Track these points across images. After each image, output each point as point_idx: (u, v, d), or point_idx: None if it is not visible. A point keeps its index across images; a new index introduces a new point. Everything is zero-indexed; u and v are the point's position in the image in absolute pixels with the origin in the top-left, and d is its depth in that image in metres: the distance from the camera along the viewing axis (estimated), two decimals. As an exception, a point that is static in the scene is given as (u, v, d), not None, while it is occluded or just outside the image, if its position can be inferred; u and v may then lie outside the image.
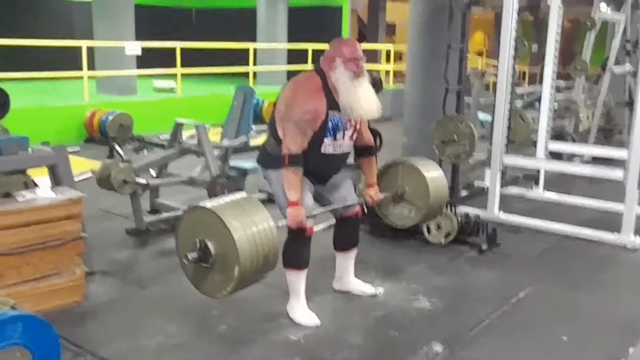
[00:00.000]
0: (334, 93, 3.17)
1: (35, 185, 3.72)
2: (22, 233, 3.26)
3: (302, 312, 3.34)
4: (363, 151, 3.52)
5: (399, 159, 3.91)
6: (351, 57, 3.17)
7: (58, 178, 3.71)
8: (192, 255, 2.76)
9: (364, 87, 3.18)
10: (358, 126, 3.34)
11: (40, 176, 3.99)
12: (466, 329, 3.32)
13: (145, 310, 3.49)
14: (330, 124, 3.17)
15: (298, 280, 3.32)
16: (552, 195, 6.08)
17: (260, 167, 3.42)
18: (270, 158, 3.27)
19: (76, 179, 4.01)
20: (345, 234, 3.59)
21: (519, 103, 7.86)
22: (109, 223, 4.99)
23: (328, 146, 3.23)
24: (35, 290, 3.32)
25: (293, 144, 3.11)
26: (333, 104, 3.16)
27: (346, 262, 3.67)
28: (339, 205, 3.45)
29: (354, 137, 3.36)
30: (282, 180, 3.17)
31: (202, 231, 2.78)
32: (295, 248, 3.28)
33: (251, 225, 2.75)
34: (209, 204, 2.82)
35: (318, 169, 3.29)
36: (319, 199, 3.45)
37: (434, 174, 3.79)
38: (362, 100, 3.15)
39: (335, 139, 3.22)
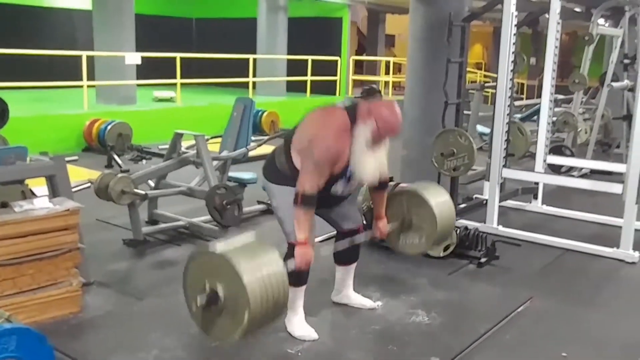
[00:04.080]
0: None
1: (33, 195, 3.71)
2: (19, 244, 3.23)
3: (300, 325, 3.31)
4: (378, 185, 3.39)
5: (402, 187, 3.88)
6: (385, 131, 3.01)
7: (56, 188, 3.70)
8: (200, 300, 2.68)
9: (377, 154, 3.06)
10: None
11: (39, 186, 3.98)
12: (465, 344, 3.30)
13: (142, 323, 3.47)
14: (347, 171, 3.10)
15: (296, 295, 3.30)
16: (551, 209, 6.08)
17: (264, 178, 3.33)
18: (277, 173, 3.21)
19: (74, 188, 4.00)
20: (346, 249, 3.57)
21: (517, 116, 7.89)
22: (107, 233, 4.97)
23: (339, 188, 3.17)
24: (31, 302, 3.30)
25: (309, 184, 2.99)
26: None
27: (345, 275, 3.66)
28: (341, 222, 3.45)
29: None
30: (289, 211, 3.08)
31: (210, 274, 2.71)
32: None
33: (261, 268, 2.67)
34: (216, 247, 2.73)
35: (322, 202, 3.18)
36: (321, 214, 3.39)
37: (439, 199, 3.78)
38: (369, 167, 3.05)
39: (348, 182, 3.17)
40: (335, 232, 3.61)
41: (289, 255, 3.20)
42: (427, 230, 3.70)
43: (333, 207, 3.39)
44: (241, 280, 2.57)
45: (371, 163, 3.04)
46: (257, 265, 2.66)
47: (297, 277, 3.25)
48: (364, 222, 4.24)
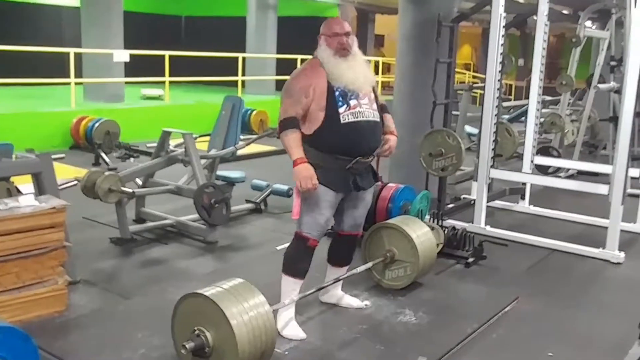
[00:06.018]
0: None
1: (19, 192, 3.67)
2: (4, 242, 3.20)
3: (288, 324, 3.31)
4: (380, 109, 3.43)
5: (381, 223, 4.02)
6: (332, 33, 3.20)
7: (42, 186, 3.66)
8: (189, 345, 2.70)
9: (351, 64, 3.18)
10: (371, 95, 3.28)
11: (25, 183, 3.95)
12: (452, 343, 3.31)
13: (128, 322, 3.44)
14: (336, 93, 3.14)
15: (292, 288, 3.30)
16: (538, 209, 6.12)
17: None
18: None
19: (60, 186, 3.97)
20: (343, 251, 3.58)
21: (505, 117, 7.93)
22: (93, 232, 4.93)
23: (346, 114, 3.14)
24: (16, 300, 3.27)
25: (283, 112, 3.16)
26: None
27: (337, 275, 3.64)
28: (347, 219, 3.43)
29: (375, 106, 3.28)
30: (306, 203, 3.17)
31: (200, 319, 2.73)
32: (297, 255, 3.28)
33: (252, 321, 2.69)
34: (208, 292, 2.75)
35: (351, 143, 3.16)
36: (335, 216, 3.39)
37: (418, 231, 3.90)
38: (347, 74, 3.15)
39: (349, 106, 3.15)
40: (332, 232, 3.61)
41: (292, 246, 3.28)
42: (411, 261, 3.85)
43: (358, 194, 3.34)
44: (229, 324, 2.60)
45: (347, 70, 3.16)
46: (247, 317, 2.68)
47: (295, 266, 3.28)
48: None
